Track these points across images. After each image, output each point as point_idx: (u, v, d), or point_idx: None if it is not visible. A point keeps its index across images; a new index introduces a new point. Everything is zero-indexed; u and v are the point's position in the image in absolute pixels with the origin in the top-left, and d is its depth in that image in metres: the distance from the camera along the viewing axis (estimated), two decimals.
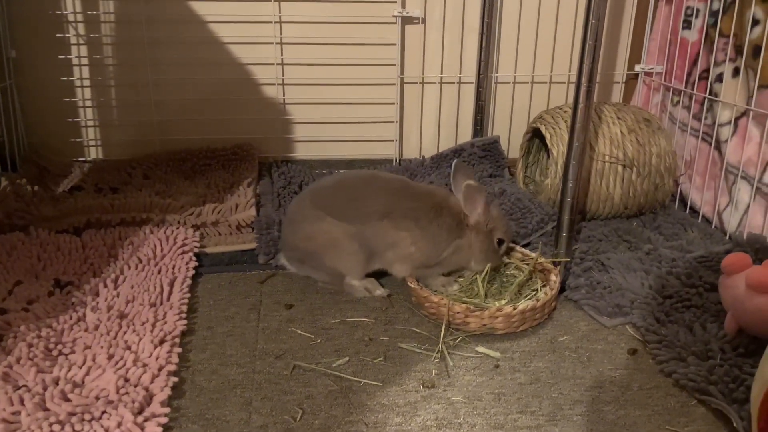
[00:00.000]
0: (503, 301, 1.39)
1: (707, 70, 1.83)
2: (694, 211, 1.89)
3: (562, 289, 1.49)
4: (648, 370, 1.23)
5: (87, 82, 2.10)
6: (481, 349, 1.28)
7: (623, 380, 1.20)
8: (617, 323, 1.38)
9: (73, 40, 2.05)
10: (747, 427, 1.01)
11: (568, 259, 1.49)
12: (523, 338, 1.33)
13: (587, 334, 1.35)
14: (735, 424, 1.04)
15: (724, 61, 1.76)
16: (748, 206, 1.66)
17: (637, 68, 2.19)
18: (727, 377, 1.14)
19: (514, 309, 1.32)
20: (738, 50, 1.71)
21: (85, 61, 2.08)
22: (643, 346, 1.30)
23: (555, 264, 1.48)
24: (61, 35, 2.03)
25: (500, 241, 1.46)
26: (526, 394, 1.16)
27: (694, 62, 1.90)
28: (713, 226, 1.79)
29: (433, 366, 1.23)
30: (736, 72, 1.72)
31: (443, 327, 1.32)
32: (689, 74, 1.93)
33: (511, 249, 1.55)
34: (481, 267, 1.44)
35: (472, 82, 2.20)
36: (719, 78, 1.78)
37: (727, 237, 1.71)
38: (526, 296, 1.44)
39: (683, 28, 1.96)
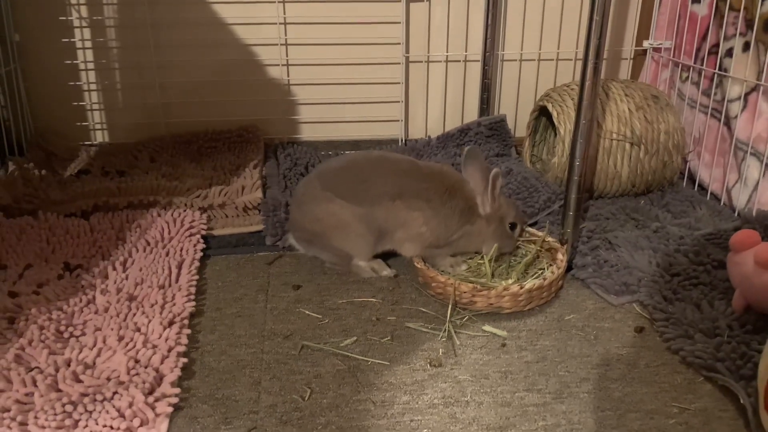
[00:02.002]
0: (510, 281, 1.39)
1: (717, 45, 1.80)
2: (703, 188, 1.88)
3: (569, 268, 1.48)
4: (655, 347, 1.23)
5: (91, 65, 2.09)
6: (487, 328, 1.29)
7: (630, 358, 1.20)
8: (624, 301, 1.38)
9: (77, 23, 2.04)
10: (754, 404, 1.02)
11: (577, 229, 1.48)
12: (530, 317, 1.33)
13: (594, 313, 1.35)
14: (742, 401, 1.04)
15: (734, 35, 1.73)
16: (758, 183, 1.65)
17: (646, 44, 2.16)
18: (734, 354, 1.14)
19: (521, 288, 1.32)
20: (748, 24, 1.68)
21: (88, 44, 2.07)
22: (650, 324, 1.30)
23: (562, 242, 1.48)
24: (64, 18, 2.03)
25: (513, 225, 1.46)
26: (533, 372, 1.16)
27: (704, 37, 1.87)
28: (722, 204, 1.78)
29: (440, 345, 1.23)
30: (746, 46, 1.69)
31: (450, 306, 1.32)
32: (698, 49, 1.90)
33: (523, 231, 1.53)
34: (491, 252, 1.44)
35: (478, 61, 2.18)
36: (729, 53, 1.75)
37: (736, 214, 1.70)
38: (533, 275, 1.44)
39: (693, 2, 1.93)
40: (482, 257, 1.47)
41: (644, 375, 1.15)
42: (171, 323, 1.23)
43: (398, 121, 2.23)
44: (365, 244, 1.43)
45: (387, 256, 1.50)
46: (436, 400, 1.09)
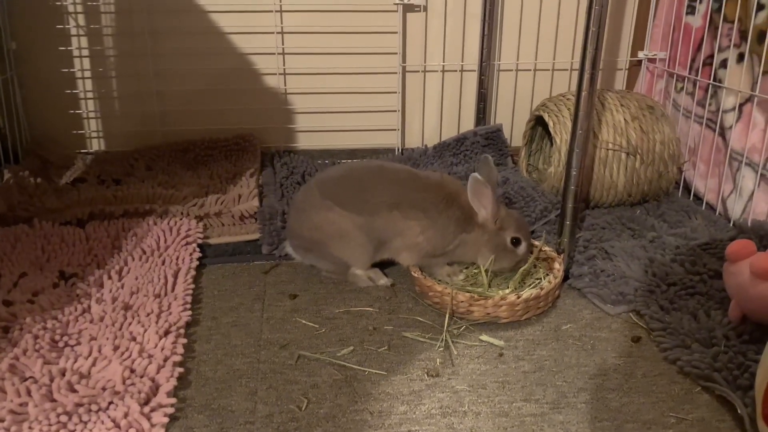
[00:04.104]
0: (507, 290, 1.39)
1: (711, 56, 1.82)
2: (698, 198, 1.89)
3: (565, 278, 1.49)
4: (652, 357, 1.23)
5: (88, 74, 2.09)
6: (485, 337, 1.29)
7: (627, 368, 1.20)
8: (621, 311, 1.38)
9: (74, 31, 2.05)
10: (751, 414, 1.02)
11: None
12: (527, 327, 1.33)
13: (591, 322, 1.35)
14: (739, 411, 1.04)
15: (729, 46, 1.74)
16: (753, 193, 1.65)
17: (641, 55, 2.17)
18: (731, 364, 1.14)
19: (518, 297, 1.32)
20: (743, 36, 1.70)
21: (85, 52, 2.07)
22: (647, 333, 1.30)
23: (558, 252, 1.48)
24: (62, 26, 2.03)
25: (515, 241, 1.42)
26: (531, 382, 1.16)
27: (698, 48, 1.89)
28: (717, 214, 1.79)
29: (438, 355, 1.23)
30: (740, 58, 1.71)
31: (447, 316, 1.32)
32: (693, 60, 1.92)
33: (530, 248, 1.47)
34: (487, 263, 1.43)
35: (474, 70, 2.19)
36: (723, 64, 1.76)
37: (731, 224, 1.71)
38: (530, 285, 1.44)
39: (687, 13, 1.95)
40: (479, 267, 1.47)
41: (641, 385, 1.15)
42: (167, 332, 1.22)
43: (395, 130, 2.24)
44: (364, 253, 1.43)
45: (384, 265, 1.50)
46: (434, 411, 1.08)
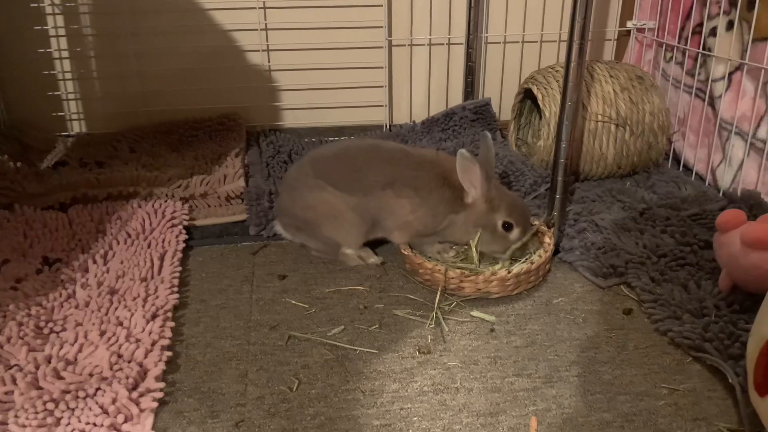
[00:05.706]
0: (497, 265, 1.38)
1: (701, 24, 1.79)
2: (688, 168, 1.88)
3: (556, 251, 1.48)
4: (643, 329, 1.23)
5: (66, 54, 2.04)
6: (476, 313, 1.28)
7: (619, 340, 1.20)
8: (612, 284, 1.38)
9: (49, 10, 1.99)
10: (743, 383, 1.02)
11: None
12: (518, 301, 1.33)
13: (582, 296, 1.34)
14: (731, 380, 1.05)
15: (718, 14, 1.72)
16: (742, 162, 1.65)
17: (629, 24, 2.15)
18: (722, 334, 1.14)
19: (509, 272, 1.31)
20: (732, 2, 1.67)
21: (62, 31, 2.01)
22: (638, 305, 1.30)
23: (548, 225, 1.47)
24: (36, 5, 1.97)
25: (507, 226, 1.37)
26: (522, 356, 1.16)
27: (688, 16, 1.87)
28: (707, 184, 1.78)
29: (429, 332, 1.22)
30: (730, 25, 1.68)
31: (438, 292, 1.31)
32: (682, 29, 1.89)
33: (529, 231, 1.40)
34: (475, 239, 1.40)
35: (461, 44, 2.15)
36: (713, 32, 1.74)
37: (721, 194, 1.70)
38: (521, 259, 1.43)
39: None
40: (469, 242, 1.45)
41: (633, 357, 1.15)
42: (154, 316, 1.21)
43: (382, 106, 2.20)
44: (356, 233, 1.42)
45: (374, 244, 1.49)
46: (426, 388, 1.08)
